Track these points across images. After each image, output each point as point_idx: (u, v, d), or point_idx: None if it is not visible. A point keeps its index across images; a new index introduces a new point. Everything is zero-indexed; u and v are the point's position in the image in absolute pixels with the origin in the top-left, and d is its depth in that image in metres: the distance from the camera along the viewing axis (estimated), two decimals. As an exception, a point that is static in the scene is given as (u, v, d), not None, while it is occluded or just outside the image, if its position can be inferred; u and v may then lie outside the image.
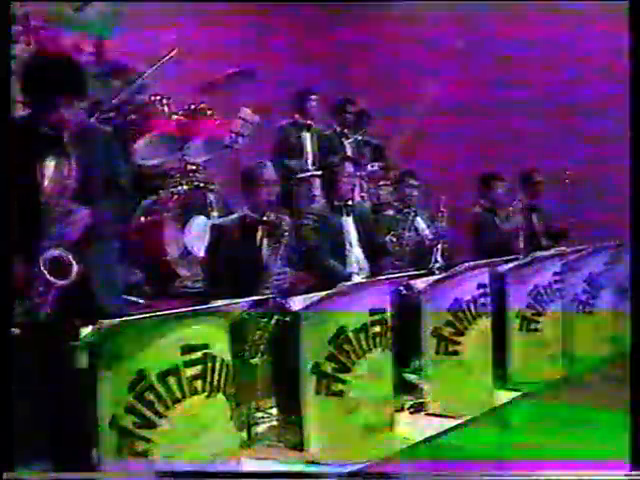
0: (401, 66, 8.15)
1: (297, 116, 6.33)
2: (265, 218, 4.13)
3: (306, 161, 6.28)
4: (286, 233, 4.05)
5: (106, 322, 2.66)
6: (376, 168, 6.50)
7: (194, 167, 5.30)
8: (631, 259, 2.99)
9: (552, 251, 5.68)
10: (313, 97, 6.35)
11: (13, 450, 2.57)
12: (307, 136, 6.32)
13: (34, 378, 3.02)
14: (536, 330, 5.15)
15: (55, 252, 2.80)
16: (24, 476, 2.78)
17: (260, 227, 4.11)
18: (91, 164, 3.01)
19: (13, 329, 3.11)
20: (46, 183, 2.83)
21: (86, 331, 2.65)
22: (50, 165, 2.84)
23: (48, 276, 2.76)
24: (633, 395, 2.69)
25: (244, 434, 3.77)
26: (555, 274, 5.37)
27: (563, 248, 5.78)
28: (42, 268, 2.76)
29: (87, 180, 2.96)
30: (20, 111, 3.29)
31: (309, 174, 6.12)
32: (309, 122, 6.33)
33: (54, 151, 2.85)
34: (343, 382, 3.65)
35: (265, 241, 4.10)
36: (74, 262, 2.82)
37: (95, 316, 2.73)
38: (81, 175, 2.91)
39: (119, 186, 3.16)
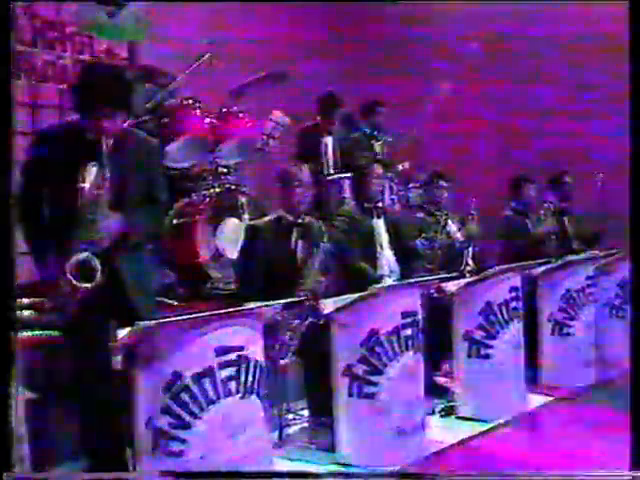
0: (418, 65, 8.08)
1: (319, 119, 6.35)
2: (300, 220, 4.16)
3: (327, 163, 6.27)
4: (324, 236, 4.07)
5: (141, 324, 2.69)
6: (406, 168, 6.49)
7: (226, 169, 5.33)
8: (632, 260, 2.95)
9: (585, 254, 5.64)
10: (337, 99, 6.35)
11: (13, 450, 2.60)
12: (329, 139, 6.31)
13: (70, 379, 3.07)
14: (568, 334, 5.12)
15: (81, 256, 2.84)
16: (24, 476, 2.81)
17: (295, 229, 4.13)
18: (131, 173, 3.06)
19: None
20: (84, 188, 2.87)
21: (122, 333, 2.68)
22: (90, 171, 2.88)
23: (72, 280, 2.80)
24: (633, 395, 2.67)
25: (275, 435, 3.79)
26: (588, 278, 5.33)
27: (596, 251, 5.73)
28: (67, 271, 2.80)
29: (124, 188, 3.01)
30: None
31: (337, 176, 6.11)
32: (331, 125, 6.32)
33: (94, 157, 2.89)
34: (375, 384, 3.65)
35: (300, 243, 4.12)
36: (99, 266, 2.85)
37: (130, 318, 2.76)
38: (118, 183, 2.95)
39: (156, 198, 3.20)
